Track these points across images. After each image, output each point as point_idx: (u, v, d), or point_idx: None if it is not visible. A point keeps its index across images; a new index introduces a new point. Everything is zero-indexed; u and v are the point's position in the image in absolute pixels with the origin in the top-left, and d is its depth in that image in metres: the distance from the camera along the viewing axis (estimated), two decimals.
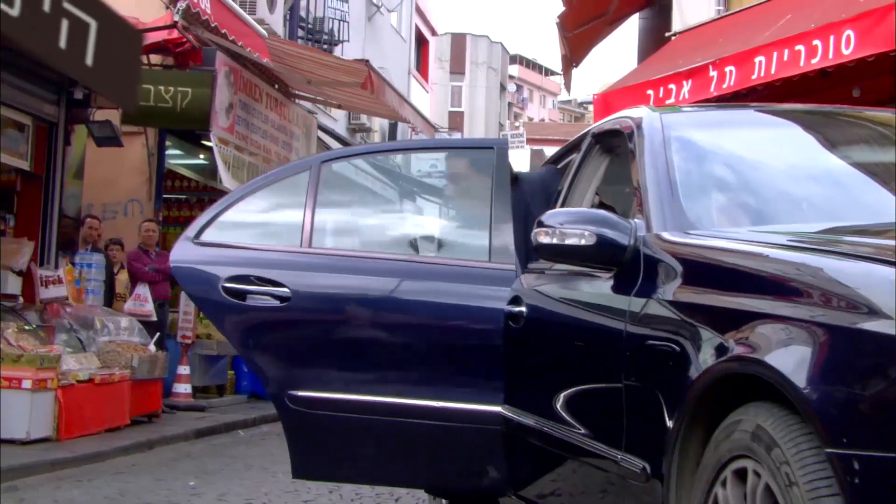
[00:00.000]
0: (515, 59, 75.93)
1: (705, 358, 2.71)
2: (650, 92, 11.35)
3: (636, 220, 3.44)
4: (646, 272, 3.25)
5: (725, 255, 3.03)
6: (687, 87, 10.82)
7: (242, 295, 4.48)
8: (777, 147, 4.18)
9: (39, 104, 11.12)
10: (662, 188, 3.50)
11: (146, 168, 14.13)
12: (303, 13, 20.43)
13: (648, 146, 3.74)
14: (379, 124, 27.99)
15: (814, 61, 9.26)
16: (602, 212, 3.47)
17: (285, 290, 4.43)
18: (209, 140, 14.02)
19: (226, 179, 13.70)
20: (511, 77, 64.69)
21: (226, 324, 4.67)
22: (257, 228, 4.91)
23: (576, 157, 4.55)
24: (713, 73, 10.57)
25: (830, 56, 9.04)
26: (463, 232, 4.93)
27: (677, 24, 13.69)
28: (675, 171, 3.59)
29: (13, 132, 10.95)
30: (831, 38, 9.12)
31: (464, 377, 4.34)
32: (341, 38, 21.51)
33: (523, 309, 4.09)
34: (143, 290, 12.41)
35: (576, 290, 3.83)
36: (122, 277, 12.94)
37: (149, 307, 12.32)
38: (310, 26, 20.77)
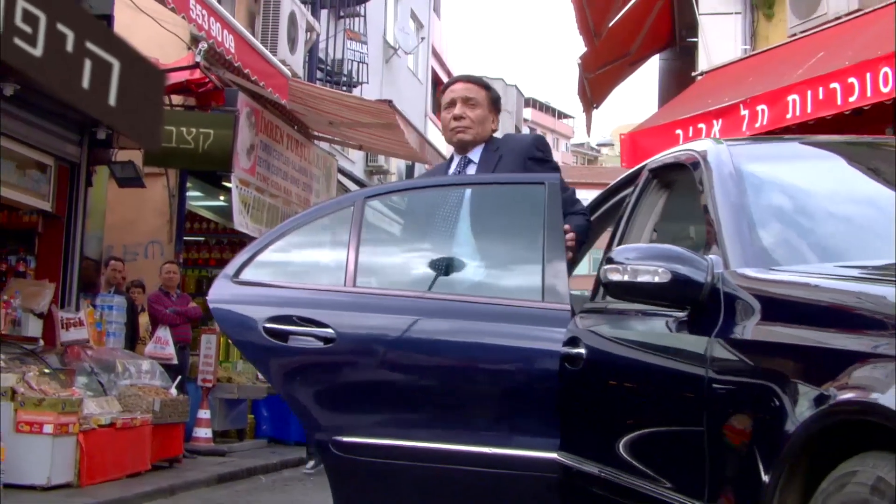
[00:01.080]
0: (528, 102, 76.00)
1: (806, 403, 2.50)
2: (679, 132, 11.21)
3: (712, 255, 3.25)
4: (727, 311, 3.05)
5: (819, 292, 2.83)
6: (717, 126, 10.67)
7: (284, 336, 4.28)
8: (842, 179, 4.02)
9: (62, 144, 10.99)
10: (739, 222, 3.32)
11: (167, 209, 14.00)
12: (321, 55, 20.36)
13: (718, 179, 3.56)
14: (396, 166, 27.90)
15: (851, 99, 9.10)
16: (675, 247, 3.27)
17: (329, 330, 4.22)
18: (230, 181, 13.91)
19: (239, 221, 13.57)
20: (525, 120, 64.63)
21: (267, 366, 4.49)
22: (298, 267, 4.71)
23: (631, 193, 4.36)
24: (744, 112, 10.41)
25: (868, 94, 8.88)
26: (514, 270, 4.73)
27: (703, 63, 13.54)
28: (750, 204, 3.41)
29: (35, 173, 10.82)
30: (868, 75, 8.97)
31: (517, 422, 4.14)
32: (360, 80, 21.43)
33: (582, 350, 3.88)
34: (163, 333, 12.25)
35: (643, 330, 3.63)
36: (143, 320, 12.79)
37: (170, 350, 12.15)
38: (328, 68, 20.69)
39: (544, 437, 4.06)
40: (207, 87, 12.68)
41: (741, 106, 10.45)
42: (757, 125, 10.21)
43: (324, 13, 20.52)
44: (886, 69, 8.79)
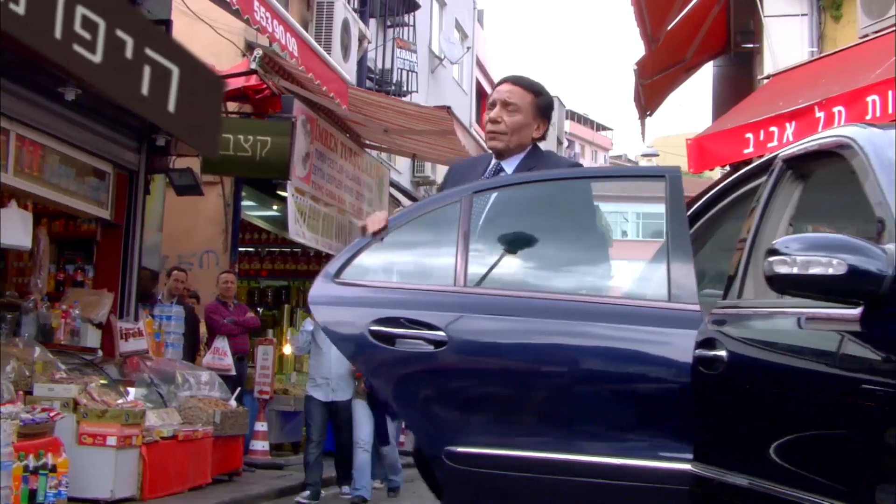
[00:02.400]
0: (567, 115, 75.64)
1: None
2: (749, 135, 10.89)
3: (889, 245, 2.95)
4: None
5: None
6: (790, 129, 10.34)
7: (391, 339, 4.01)
8: None
9: (120, 151, 10.80)
10: None
11: (222, 219, 13.80)
12: (370, 64, 20.17)
13: (878, 164, 3.26)
14: (441, 176, 27.63)
15: None
16: (848, 237, 2.97)
17: (440, 333, 3.95)
18: (284, 190, 13.71)
19: (295, 230, 13.36)
20: (564, 132, 64.29)
21: (373, 371, 4.22)
22: (403, 266, 4.43)
23: (763, 185, 4.07)
24: (820, 114, 10.09)
25: None
26: (633, 267, 4.45)
27: (768, 66, 13.20)
28: None
29: (94, 180, 10.62)
30: None
31: (645, 431, 3.85)
32: (409, 89, 21.21)
33: (722, 353, 3.59)
34: (222, 344, 12.04)
35: (799, 329, 3.33)
36: (199, 330, 12.61)
37: (228, 361, 11.95)
38: (377, 77, 20.50)
39: (675, 447, 3.78)
40: (264, 93, 12.50)
41: (816, 108, 10.13)
42: (834, 127, 9.90)
43: (372, 22, 20.34)
44: None
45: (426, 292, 4.16)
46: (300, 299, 16.91)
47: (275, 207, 15.67)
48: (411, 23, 22.75)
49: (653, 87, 18.15)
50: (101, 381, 9.68)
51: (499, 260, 4.32)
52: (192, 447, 10.04)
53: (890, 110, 9.22)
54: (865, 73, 10.08)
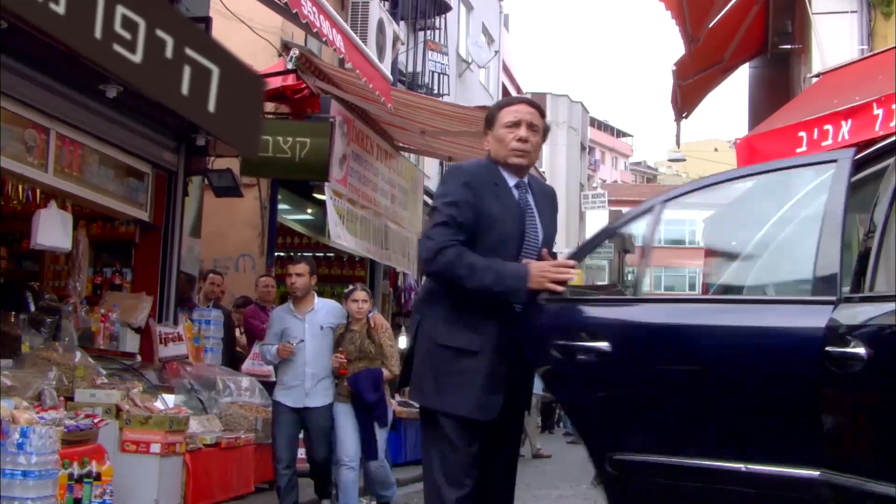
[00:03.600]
0: (589, 121, 75.40)
1: None
2: (802, 134, 10.58)
3: None
4: None
5: None
6: (846, 126, 10.04)
7: (569, 350, 4.19)
8: None
9: (159, 151, 10.56)
10: None
11: (258, 222, 13.56)
12: (401, 67, 19.95)
13: None
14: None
15: None
16: None
17: (604, 344, 4.05)
18: (320, 193, 13.47)
19: (335, 233, 13.10)
20: None
21: (551, 379, 4.52)
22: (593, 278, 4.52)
23: (892, 168, 3.79)
24: (878, 111, 9.79)
25: None
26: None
27: (817, 65, 12.90)
28: None
29: (133, 181, 10.39)
30: None
31: (775, 436, 3.58)
32: (441, 92, 20.97)
33: (859, 350, 3.30)
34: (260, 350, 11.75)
35: None
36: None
37: (268, 367, 11.64)
38: (407, 80, 20.27)
39: (803, 452, 3.50)
40: (304, 93, 12.27)
41: (875, 105, 9.84)
42: (892, 124, 9.61)
43: (402, 24, 20.12)
44: None
45: (600, 303, 4.57)
46: None
47: (309, 211, 15.45)
48: (440, 26, 22.51)
49: (690, 88, 17.88)
50: (143, 387, 9.44)
51: (679, 265, 4.33)
52: (234, 455, 9.79)
53: None
54: None
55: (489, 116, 4.91)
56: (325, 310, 9.68)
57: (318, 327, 9.47)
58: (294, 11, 8.86)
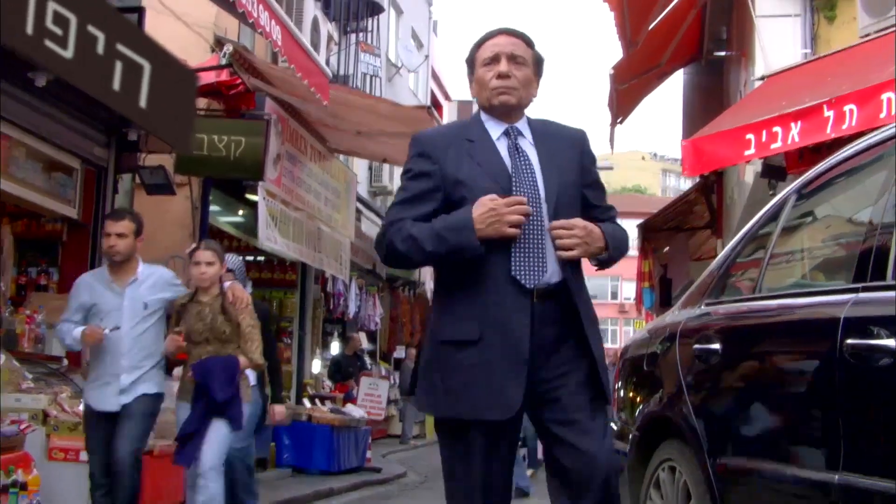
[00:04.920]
0: None
1: None
2: (750, 136, 10.43)
3: None
4: None
5: None
6: (796, 129, 9.90)
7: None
8: None
9: (89, 146, 10.11)
10: None
11: (189, 222, 13.09)
12: (332, 69, 19.56)
13: None
14: (397, 186, 27.07)
15: None
16: None
17: (715, 346, 4.01)
18: (253, 193, 13.08)
19: (266, 235, 12.73)
20: None
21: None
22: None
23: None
24: (829, 113, 9.67)
25: None
26: None
27: (761, 68, 12.79)
28: None
29: (61, 176, 9.93)
30: None
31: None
32: (373, 94, 20.60)
33: (889, 342, 3.04)
34: None
35: None
36: None
37: None
38: (338, 82, 19.88)
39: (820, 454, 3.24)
40: (238, 89, 11.87)
41: (825, 107, 9.71)
42: (844, 126, 9.48)
43: (333, 25, 19.74)
44: None
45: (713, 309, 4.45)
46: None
47: (240, 212, 15.02)
48: (372, 28, 22.17)
49: (626, 93, 17.76)
50: (71, 392, 8.99)
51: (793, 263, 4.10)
52: (168, 463, 9.35)
53: None
54: (875, 71, 9.68)
55: (469, 60, 4.19)
56: (151, 280, 7.29)
57: (142, 305, 7.19)
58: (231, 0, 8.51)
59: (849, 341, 3.21)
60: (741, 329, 4.18)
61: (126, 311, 7.13)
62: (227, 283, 7.49)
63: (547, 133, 4.08)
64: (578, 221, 3.84)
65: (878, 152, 3.75)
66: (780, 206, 4.43)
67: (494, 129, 4.03)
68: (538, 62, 4.14)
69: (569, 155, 4.03)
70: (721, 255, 4.97)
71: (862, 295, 3.33)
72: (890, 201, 3.44)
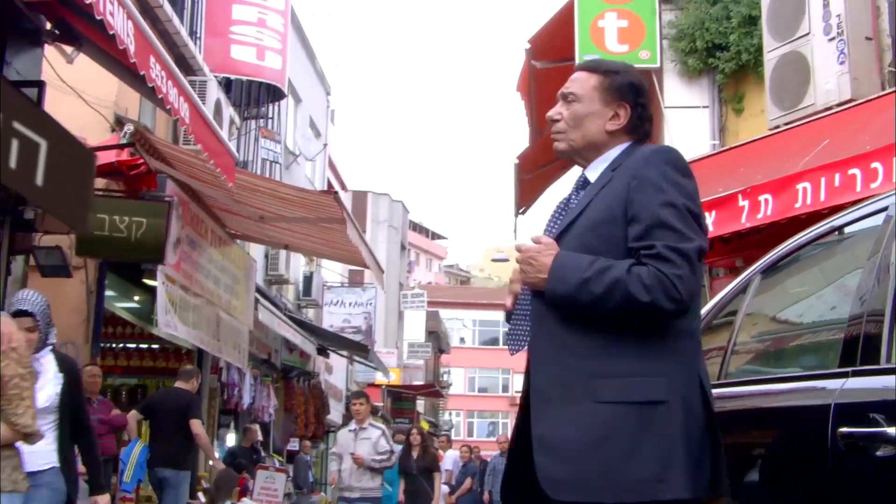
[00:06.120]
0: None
1: None
2: None
3: None
4: None
5: None
6: (710, 218, 9.90)
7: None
8: None
9: None
10: None
11: (84, 307, 12.56)
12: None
13: None
14: (293, 276, 26.71)
15: (874, 185, 8.39)
16: None
17: None
18: (151, 278, 12.63)
19: (164, 321, 12.26)
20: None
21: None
22: None
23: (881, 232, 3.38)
24: (744, 203, 9.73)
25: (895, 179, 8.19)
26: None
27: None
28: None
29: None
30: None
31: None
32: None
33: (890, 430, 2.82)
34: None
35: None
36: None
37: None
38: (238, 167, 19.56)
39: None
40: (140, 169, 11.47)
41: (740, 196, 9.75)
42: (759, 216, 9.51)
43: (233, 110, 19.47)
44: None
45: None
46: None
47: (136, 298, 14.50)
48: (271, 115, 21.93)
49: (529, 183, 17.74)
50: None
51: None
52: None
53: (822, 198, 8.86)
54: (789, 161, 9.73)
55: None
56: None
57: None
58: (141, 73, 8.16)
59: (842, 430, 2.99)
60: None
61: None
62: None
63: (622, 167, 3.35)
64: (528, 245, 3.32)
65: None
66: (744, 285, 4.25)
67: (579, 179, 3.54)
68: (610, 88, 3.45)
69: (616, 186, 3.29)
70: None
71: (852, 380, 3.12)
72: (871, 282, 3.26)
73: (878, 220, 3.42)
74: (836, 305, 3.66)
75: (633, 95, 3.46)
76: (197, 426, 11.66)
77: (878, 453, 2.84)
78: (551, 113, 3.51)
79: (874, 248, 3.35)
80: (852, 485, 2.96)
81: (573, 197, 3.47)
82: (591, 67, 3.53)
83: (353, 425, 13.26)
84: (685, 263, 3.10)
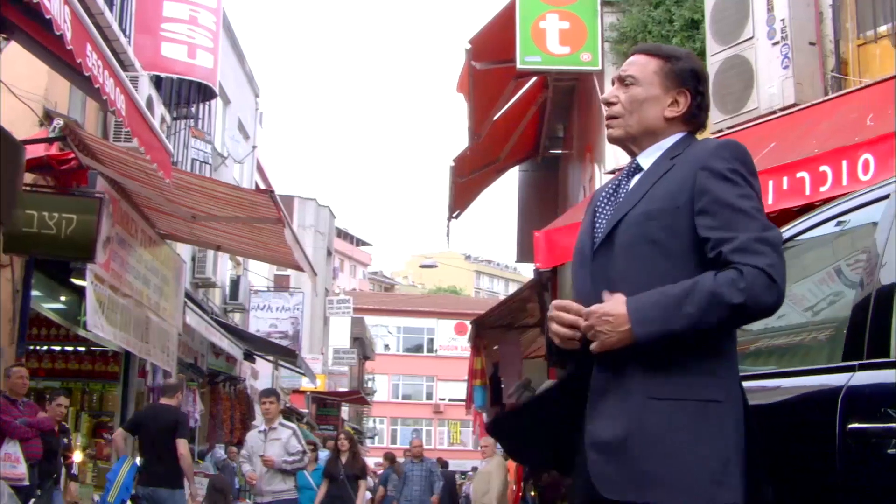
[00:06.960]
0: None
1: None
2: None
3: None
4: None
5: None
6: None
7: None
8: None
9: None
10: None
11: (9, 306, 12.14)
12: None
13: None
14: (220, 279, 26.30)
15: (823, 189, 8.31)
16: None
17: None
18: (79, 278, 12.26)
19: (93, 322, 11.92)
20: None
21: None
22: None
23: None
24: None
25: (845, 182, 8.12)
26: None
27: (611, 163, 12.75)
28: None
29: None
30: (844, 163, 8.22)
31: None
32: None
33: None
34: (13, 449, 10.32)
35: None
36: None
37: (21, 469, 10.25)
38: None
39: None
40: (70, 164, 11.13)
41: None
42: None
43: (164, 109, 19.07)
44: (867, 155, 8.07)
45: None
46: (85, 402, 15.27)
47: (63, 298, 14.08)
48: (201, 115, 21.54)
49: (463, 187, 17.60)
50: None
51: None
52: None
53: (769, 201, 8.77)
54: None
55: None
56: None
57: None
58: (78, 61, 7.86)
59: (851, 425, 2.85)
60: None
61: None
62: None
63: (683, 157, 3.16)
64: (589, 309, 3.00)
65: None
66: None
67: (629, 166, 3.36)
68: (672, 73, 3.27)
69: (678, 176, 3.09)
70: None
71: (859, 374, 2.98)
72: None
73: (881, 207, 3.29)
74: (836, 296, 3.54)
75: (695, 83, 3.31)
76: (183, 446, 11.53)
77: (891, 451, 2.71)
78: (607, 95, 3.31)
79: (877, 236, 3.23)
80: (863, 481, 2.82)
81: (623, 183, 3.27)
82: (651, 51, 3.36)
83: (262, 426, 12.87)
84: (773, 252, 2.92)
